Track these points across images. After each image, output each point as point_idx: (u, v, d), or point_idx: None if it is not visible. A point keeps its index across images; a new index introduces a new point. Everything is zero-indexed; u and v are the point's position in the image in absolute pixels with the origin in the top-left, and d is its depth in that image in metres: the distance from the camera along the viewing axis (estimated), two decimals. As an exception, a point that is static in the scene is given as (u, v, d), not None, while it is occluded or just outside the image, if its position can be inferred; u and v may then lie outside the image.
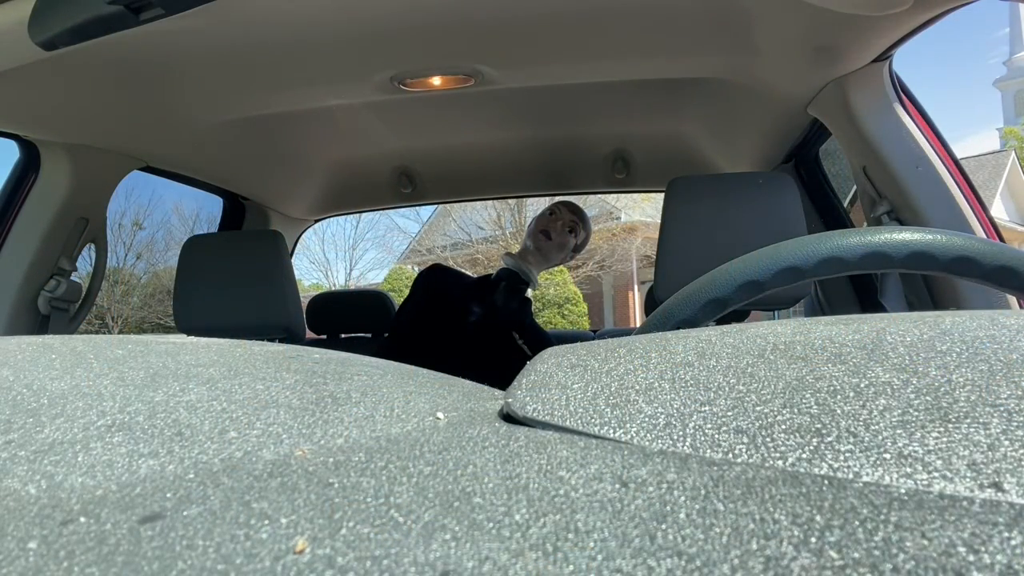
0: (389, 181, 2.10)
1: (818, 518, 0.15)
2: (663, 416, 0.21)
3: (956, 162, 1.19)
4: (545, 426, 0.23)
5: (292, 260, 1.91)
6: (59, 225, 1.45)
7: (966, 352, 0.22)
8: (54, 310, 1.47)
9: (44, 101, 1.23)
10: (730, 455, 0.19)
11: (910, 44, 1.10)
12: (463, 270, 2.15)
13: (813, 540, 0.14)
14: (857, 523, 0.15)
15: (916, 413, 0.19)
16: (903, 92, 1.22)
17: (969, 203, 1.17)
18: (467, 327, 1.69)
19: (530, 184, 2.31)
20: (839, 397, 0.20)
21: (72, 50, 0.81)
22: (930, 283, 1.27)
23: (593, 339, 0.35)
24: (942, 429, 0.18)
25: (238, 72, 1.28)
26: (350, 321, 2.22)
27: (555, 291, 11.12)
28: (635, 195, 10.27)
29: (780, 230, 1.03)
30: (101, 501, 0.17)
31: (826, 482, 0.17)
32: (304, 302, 1.65)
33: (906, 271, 0.42)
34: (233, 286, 1.45)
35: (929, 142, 1.20)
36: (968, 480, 0.16)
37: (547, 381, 0.26)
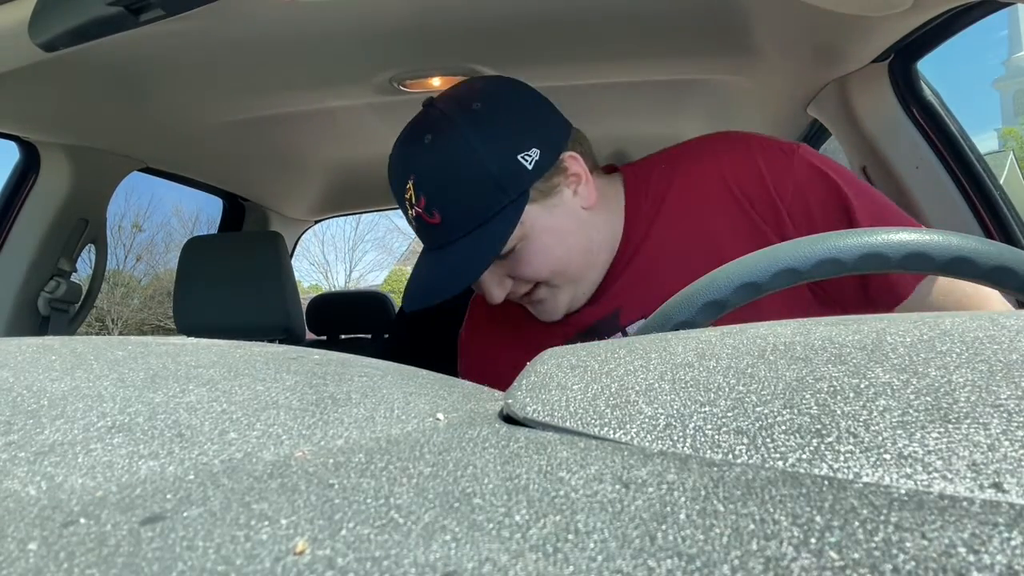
0: (389, 182, 2.10)
1: (818, 519, 0.15)
2: (663, 417, 0.21)
3: (963, 161, 1.17)
4: (545, 427, 0.23)
5: (292, 261, 1.90)
6: (59, 226, 1.45)
7: (966, 352, 0.22)
8: (54, 311, 1.47)
9: (44, 102, 1.23)
10: (730, 456, 0.19)
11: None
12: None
13: (813, 541, 0.14)
14: (857, 524, 0.15)
15: (916, 413, 0.19)
16: (911, 91, 1.20)
17: (969, 203, 1.17)
18: (467, 328, 1.68)
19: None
20: (839, 398, 0.20)
21: (72, 51, 0.81)
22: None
23: None
24: (942, 429, 0.18)
25: (238, 73, 1.28)
26: (350, 322, 2.22)
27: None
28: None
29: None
30: (101, 502, 0.17)
31: (826, 483, 0.17)
32: (303, 303, 1.65)
33: (904, 272, 0.43)
34: (233, 287, 1.45)
35: (929, 142, 1.20)
36: (968, 480, 0.16)
37: (547, 382, 0.26)
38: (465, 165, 0.71)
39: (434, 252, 0.75)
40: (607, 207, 0.80)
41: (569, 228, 0.76)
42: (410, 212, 0.75)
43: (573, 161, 0.77)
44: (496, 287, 0.75)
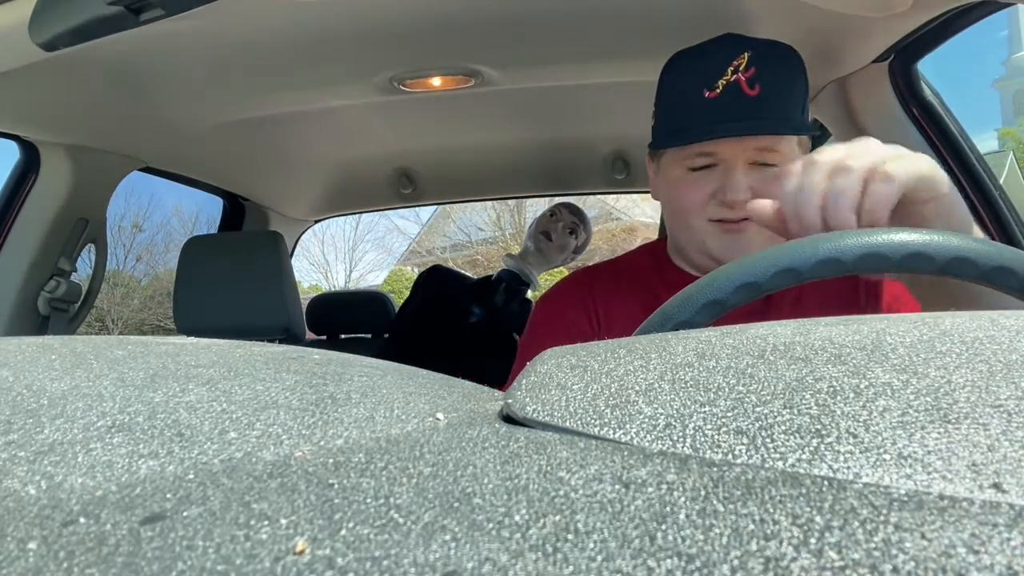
0: (389, 182, 2.10)
1: (818, 519, 0.15)
2: (663, 417, 0.21)
3: (963, 161, 1.17)
4: (545, 427, 0.23)
5: (292, 261, 1.90)
6: (59, 226, 1.45)
7: (966, 353, 0.22)
8: (54, 311, 1.47)
9: (44, 102, 1.23)
10: (730, 456, 0.19)
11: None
12: (463, 271, 2.15)
13: (813, 541, 0.14)
14: (857, 524, 0.15)
15: (916, 414, 0.19)
16: (911, 91, 1.20)
17: (968, 203, 1.16)
18: (467, 328, 1.69)
19: (530, 185, 2.31)
20: (839, 398, 0.20)
21: (72, 51, 0.81)
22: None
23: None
24: (942, 430, 0.18)
25: (238, 73, 1.28)
26: (350, 322, 2.22)
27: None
28: (635, 196, 10.29)
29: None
30: (101, 502, 0.17)
31: (826, 483, 0.17)
32: (303, 303, 1.65)
33: (904, 272, 0.42)
34: (233, 287, 1.45)
35: (929, 142, 1.20)
36: (968, 481, 0.16)
37: (547, 382, 0.26)
38: (797, 71, 0.82)
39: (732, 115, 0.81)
40: None
41: None
42: (726, 79, 0.79)
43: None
44: (744, 186, 0.81)
